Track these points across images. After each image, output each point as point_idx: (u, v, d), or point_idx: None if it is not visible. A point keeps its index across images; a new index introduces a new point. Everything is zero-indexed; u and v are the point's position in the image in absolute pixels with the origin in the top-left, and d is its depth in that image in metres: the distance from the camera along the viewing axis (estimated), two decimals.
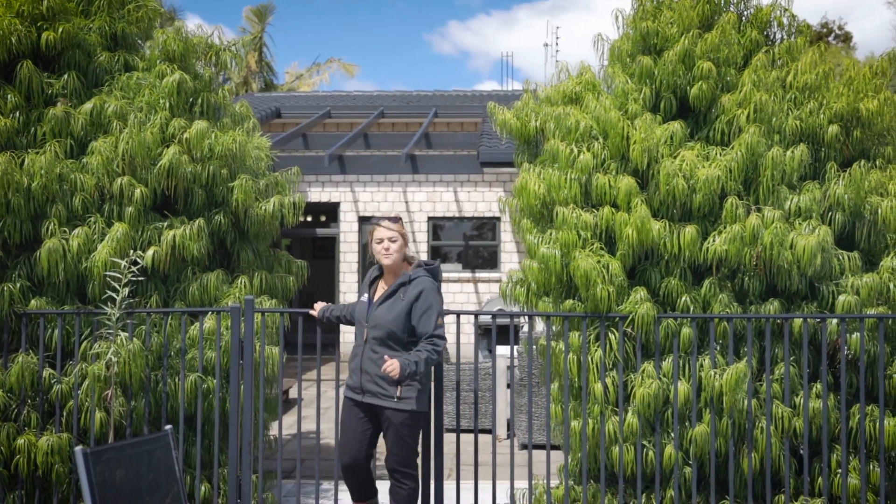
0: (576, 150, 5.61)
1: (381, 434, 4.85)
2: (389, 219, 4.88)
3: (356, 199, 16.36)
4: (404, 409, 4.74)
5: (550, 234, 5.57)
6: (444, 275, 16.22)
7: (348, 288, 16.19)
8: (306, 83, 28.68)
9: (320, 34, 63.95)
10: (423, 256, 16.37)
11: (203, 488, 5.55)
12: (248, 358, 5.40)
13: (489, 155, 10.91)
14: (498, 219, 16.24)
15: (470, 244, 16.60)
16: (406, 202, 16.31)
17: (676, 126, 5.56)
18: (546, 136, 6.10)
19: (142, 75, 6.01)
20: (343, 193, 16.20)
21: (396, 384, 4.70)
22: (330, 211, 16.31)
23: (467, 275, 16.17)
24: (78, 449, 2.94)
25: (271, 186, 6.27)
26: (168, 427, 3.40)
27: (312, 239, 16.74)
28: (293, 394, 10.94)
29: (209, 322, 5.63)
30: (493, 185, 16.14)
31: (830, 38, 32.77)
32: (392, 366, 4.54)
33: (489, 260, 16.36)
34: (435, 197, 16.33)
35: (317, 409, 5.57)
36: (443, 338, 4.75)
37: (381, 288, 4.91)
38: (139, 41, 6.42)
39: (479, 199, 16.25)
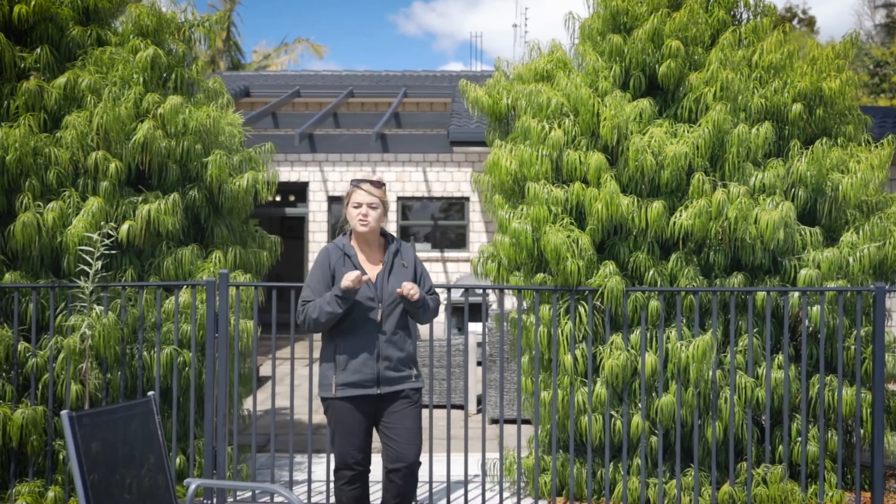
0: (547, 127, 5.71)
1: (382, 428, 4.34)
2: (372, 182, 4.31)
3: (325, 179, 16.37)
4: (420, 386, 4.40)
5: (522, 209, 5.68)
6: None
7: None
8: (274, 63, 28.49)
9: (287, 14, 63.29)
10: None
11: (178, 460, 5.61)
12: (222, 331, 5.46)
13: (459, 133, 11.01)
14: (467, 199, 16.35)
15: (439, 224, 16.69)
16: None
17: (645, 103, 5.68)
18: (517, 114, 6.19)
19: (115, 50, 6.00)
20: (312, 173, 16.20)
21: (409, 365, 4.34)
22: (299, 191, 16.31)
23: (436, 254, 16.28)
24: (64, 413, 3.00)
25: (245, 162, 6.30)
26: (151, 393, 3.46)
27: (281, 218, 16.75)
28: (264, 371, 10.98)
29: (184, 296, 5.67)
30: (462, 165, 16.24)
31: (794, 22, 33.19)
32: (412, 286, 4.21)
33: (458, 240, 16.48)
34: (404, 177, 16.39)
35: (290, 383, 5.65)
36: (437, 295, 4.57)
37: (369, 262, 4.37)
38: (111, 16, 6.40)
39: (449, 178, 16.35)
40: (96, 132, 5.61)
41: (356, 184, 4.30)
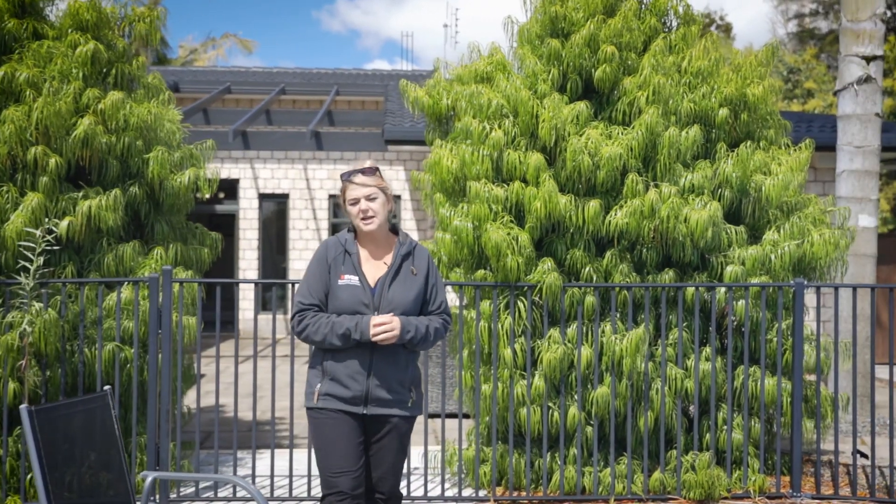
0: (488, 128, 5.88)
1: (368, 451, 3.66)
2: (364, 171, 3.62)
3: (256, 176, 16.28)
4: (414, 415, 3.71)
5: (463, 207, 5.83)
6: None
7: (248, 265, 16.14)
8: (201, 58, 28.09)
9: (210, 8, 62.22)
10: (325, 235, 16.44)
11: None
12: (166, 327, 5.47)
13: (394, 132, 11.12)
14: (398, 197, 16.45)
15: None
16: (307, 179, 16.34)
17: (582, 106, 5.89)
18: (457, 114, 6.34)
19: (52, 44, 5.93)
20: (243, 170, 16.10)
21: (408, 388, 3.63)
22: (229, 188, 16.18)
23: None
24: (23, 407, 3.02)
25: (186, 159, 6.30)
26: (107, 387, 3.49)
27: (210, 215, 16.60)
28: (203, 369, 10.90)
29: (126, 292, 5.66)
30: (393, 164, 16.34)
31: (712, 28, 34.22)
32: (391, 323, 3.47)
33: None
34: (336, 174, 16.40)
35: (234, 380, 5.69)
36: (450, 314, 3.82)
37: (372, 262, 3.66)
38: (47, 9, 6.31)
39: None
40: (35, 127, 5.55)
41: (346, 178, 3.65)
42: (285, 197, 16.41)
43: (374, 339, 3.45)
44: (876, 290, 5.99)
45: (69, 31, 6.01)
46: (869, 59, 8.62)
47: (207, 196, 6.36)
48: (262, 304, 16.09)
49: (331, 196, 16.43)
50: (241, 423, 7.85)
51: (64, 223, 5.49)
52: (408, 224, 16.41)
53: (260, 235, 16.29)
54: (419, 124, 11.56)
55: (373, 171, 3.63)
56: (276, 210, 16.58)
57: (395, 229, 3.75)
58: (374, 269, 3.64)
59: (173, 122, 6.38)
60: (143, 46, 6.59)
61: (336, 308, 3.58)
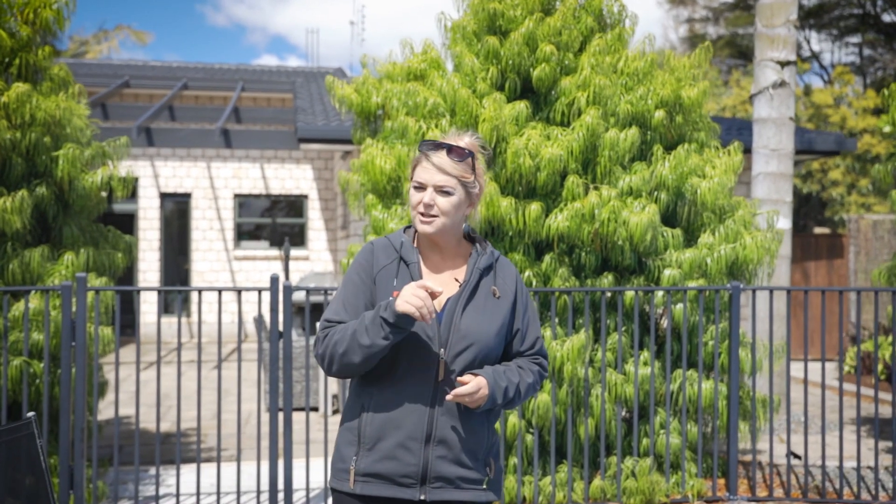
0: (425, 126, 5.66)
1: None
2: (451, 148, 2.52)
3: (157, 174, 15.63)
4: (490, 500, 2.61)
5: (397, 209, 5.60)
6: (251, 253, 15.87)
7: (148, 267, 15.47)
8: (93, 50, 26.87)
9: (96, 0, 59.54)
10: (229, 236, 15.92)
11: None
12: (80, 339, 5.05)
13: (308, 131, 10.73)
14: (305, 196, 16.07)
15: (277, 222, 16.30)
16: (211, 178, 15.77)
17: (522, 106, 5.73)
18: (388, 112, 6.10)
19: None
20: (142, 168, 15.42)
21: (484, 461, 2.56)
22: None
23: (274, 253, 15.89)
24: None
25: (98, 157, 5.86)
26: (31, 414, 3.13)
27: (106, 215, 15.83)
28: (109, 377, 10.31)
29: (35, 302, 5.20)
30: (300, 162, 15.93)
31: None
32: (478, 384, 2.42)
33: (296, 238, 16.16)
34: (241, 173, 15.90)
35: (157, 391, 5.32)
36: (547, 357, 2.74)
37: (437, 277, 2.60)
38: None
39: (287, 176, 16.00)
40: None
41: (425, 150, 2.56)
42: (188, 196, 15.80)
43: (464, 401, 2.42)
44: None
45: None
46: (783, 64, 8.80)
47: (121, 197, 5.94)
48: (165, 307, 15.43)
49: (236, 195, 15.90)
50: (150, 435, 7.39)
51: None
52: (315, 224, 16.03)
53: (161, 236, 15.63)
54: (333, 122, 11.24)
55: (464, 154, 2.51)
56: (177, 210, 15.94)
57: (470, 236, 2.70)
58: (441, 286, 2.51)
59: (81, 118, 5.93)
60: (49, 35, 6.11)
61: None
